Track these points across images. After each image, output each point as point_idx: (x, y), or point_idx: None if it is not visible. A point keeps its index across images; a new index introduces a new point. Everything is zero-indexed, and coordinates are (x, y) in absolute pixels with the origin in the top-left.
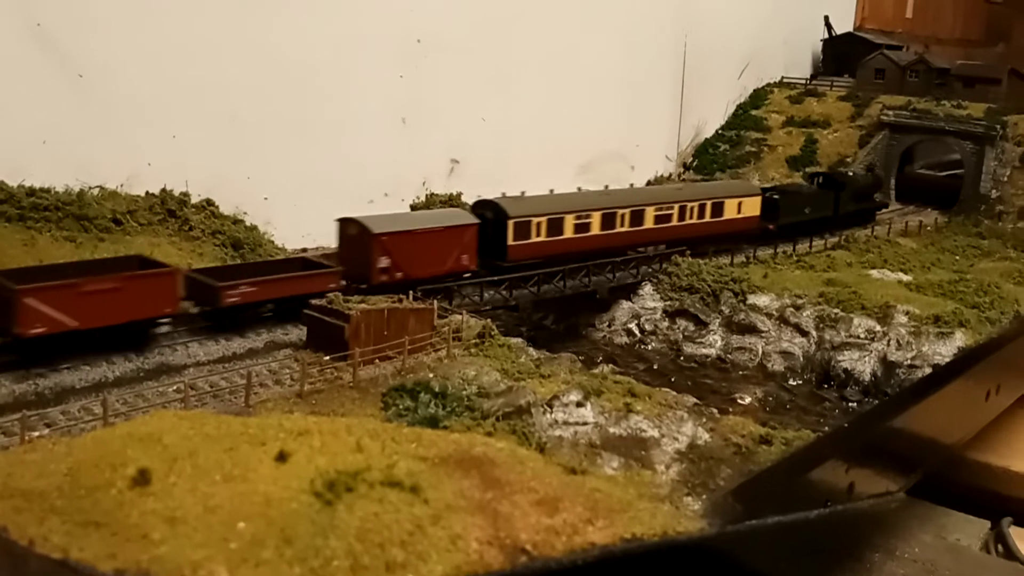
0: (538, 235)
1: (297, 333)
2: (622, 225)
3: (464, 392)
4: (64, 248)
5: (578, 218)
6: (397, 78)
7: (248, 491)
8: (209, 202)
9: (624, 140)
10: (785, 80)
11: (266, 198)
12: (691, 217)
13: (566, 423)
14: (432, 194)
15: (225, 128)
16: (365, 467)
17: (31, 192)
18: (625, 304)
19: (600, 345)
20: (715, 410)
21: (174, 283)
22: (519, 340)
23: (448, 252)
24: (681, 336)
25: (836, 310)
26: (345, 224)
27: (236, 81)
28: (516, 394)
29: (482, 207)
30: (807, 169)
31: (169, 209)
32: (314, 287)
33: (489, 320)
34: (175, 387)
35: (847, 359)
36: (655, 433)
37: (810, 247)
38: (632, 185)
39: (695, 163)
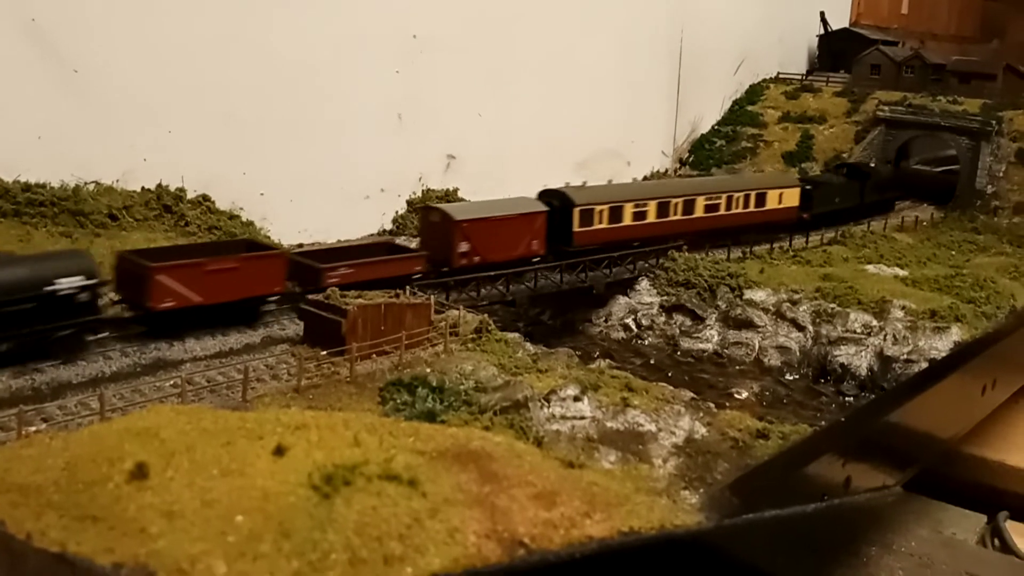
0: (600, 222)
1: (294, 328)
2: (675, 214)
3: (461, 387)
4: (60, 244)
5: (636, 207)
6: (393, 74)
7: (246, 485)
8: (205, 198)
9: (620, 136)
10: (781, 76)
11: (262, 194)
12: (737, 207)
13: (563, 417)
14: (428, 190)
15: (221, 124)
16: (363, 461)
17: (27, 188)
18: (622, 299)
19: (597, 340)
20: (712, 405)
21: (282, 264)
22: (516, 335)
23: (520, 237)
24: (678, 331)
25: (832, 305)
26: (427, 212)
27: (232, 77)
28: (513, 389)
29: (548, 196)
30: (805, 162)
31: (165, 205)
32: (403, 270)
33: (486, 315)
34: (172, 382)
35: (843, 354)
36: (652, 427)
37: (806, 242)
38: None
39: (691, 159)
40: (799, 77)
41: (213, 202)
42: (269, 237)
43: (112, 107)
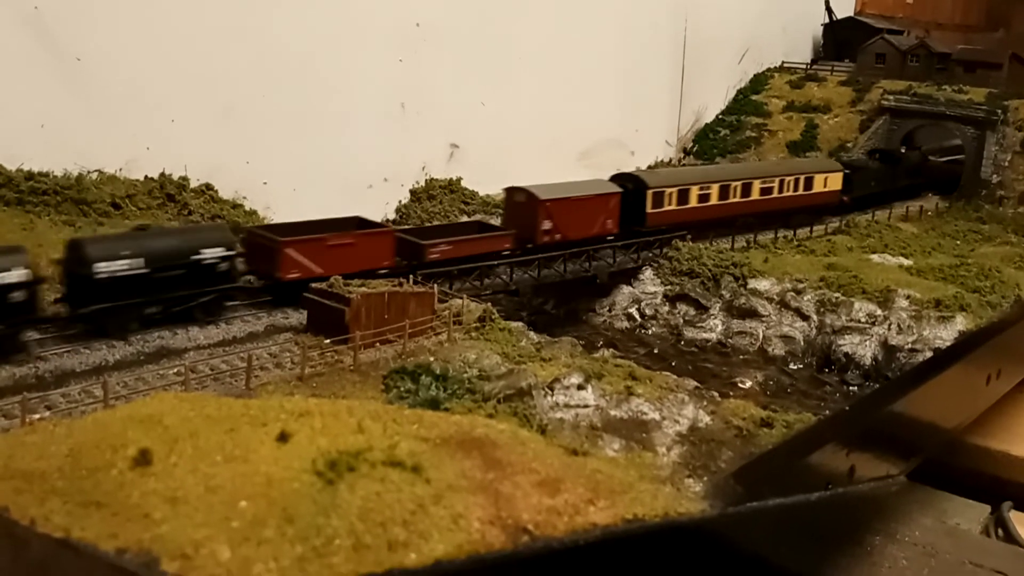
0: (670, 204)
1: (297, 317)
2: (734, 196)
3: (465, 375)
4: (63, 232)
5: (701, 189)
6: (396, 63)
7: (249, 471)
8: (208, 186)
9: (624, 125)
10: (785, 65)
11: (265, 183)
12: (788, 190)
13: (567, 406)
14: (431, 179)
15: (224, 113)
16: (367, 447)
17: (30, 176)
18: (626, 289)
19: (600, 330)
20: (716, 393)
21: (392, 241)
22: (520, 324)
23: (596, 217)
24: (682, 321)
25: (837, 294)
26: (512, 192)
27: (235, 66)
28: (517, 377)
29: (622, 179)
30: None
31: (168, 193)
32: (494, 246)
33: (489, 304)
34: (175, 370)
35: (848, 343)
36: (656, 416)
37: (810, 232)
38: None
39: (695, 148)
40: (803, 66)
41: (216, 191)
42: None
43: (115, 96)
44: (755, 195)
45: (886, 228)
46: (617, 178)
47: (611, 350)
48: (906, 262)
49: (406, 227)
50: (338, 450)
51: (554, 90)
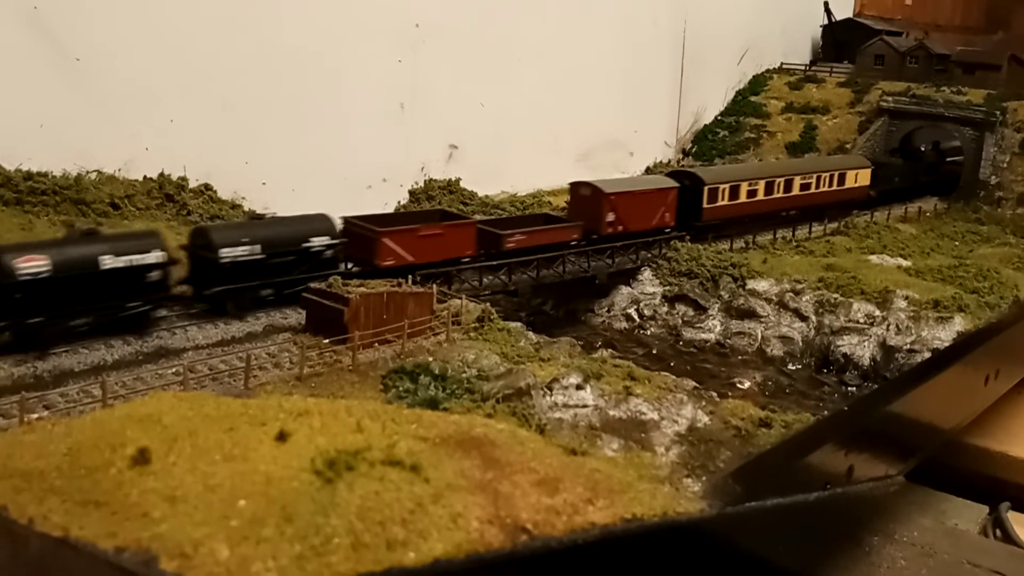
0: (723, 199)
1: (296, 317)
2: (778, 192)
3: (464, 375)
4: (62, 232)
5: (750, 185)
6: (396, 63)
7: (248, 470)
8: (207, 187)
9: (623, 126)
10: (784, 66)
11: (264, 183)
12: (824, 185)
13: (566, 405)
14: (431, 179)
15: (223, 113)
16: (365, 447)
17: (28, 176)
18: (624, 289)
19: (599, 330)
20: (714, 394)
21: (474, 232)
22: (518, 324)
23: (655, 210)
24: (680, 321)
25: (835, 295)
26: (577, 186)
27: (234, 66)
28: (516, 376)
29: (678, 175)
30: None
31: (167, 194)
32: (563, 236)
33: (488, 304)
34: (174, 370)
35: (846, 344)
36: (655, 416)
37: (809, 232)
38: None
39: (694, 149)
40: (803, 67)
41: (215, 191)
42: None
43: (114, 96)
44: (796, 190)
45: (884, 229)
46: (674, 174)
47: (610, 350)
48: (904, 263)
49: (483, 219)
50: (337, 449)
51: (553, 91)
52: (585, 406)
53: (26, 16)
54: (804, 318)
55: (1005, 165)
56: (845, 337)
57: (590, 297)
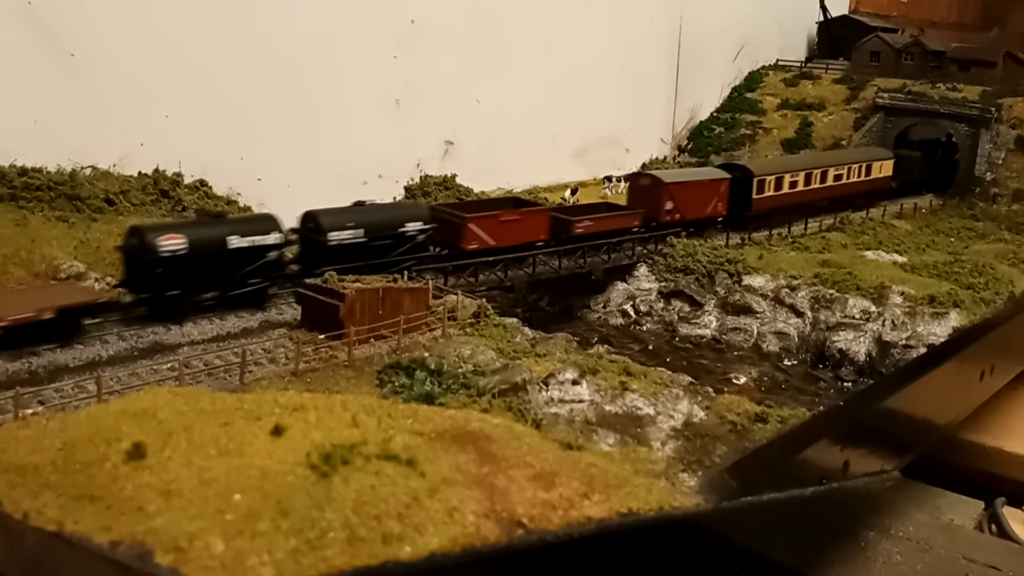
0: (769, 190)
1: (292, 313)
2: (815, 183)
3: (460, 370)
4: (56, 228)
5: (792, 176)
6: (391, 59)
7: (243, 464)
8: (202, 183)
9: (619, 123)
10: (780, 63)
11: (260, 179)
12: (855, 176)
13: (562, 401)
14: (426, 176)
15: (218, 109)
16: (361, 441)
17: (23, 172)
18: (620, 285)
19: (595, 326)
20: (710, 389)
21: (547, 218)
22: (514, 320)
23: (709, 200)
24: (676, 317)
25: (831, 291)
26: (637, 177)
27: (229, 62)
28: (512, 372)
29: (728, 168)
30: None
31: (162, 189)
32: (626, 223)
33: (484, 300)
34: (169, 365)
35: (842, 339)
36: (651, 411)
37: (805, 228)
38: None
39: (690, 146)
40: (798, 64)
41: (210, 187)
42: None
43: (109, 92)
44: (830, 181)
45: (880, 225)
46: (724, 167)
47: (606, 346)
48: (900, 259)
49: (556, 206)
50: (332, 443)
51: (549, 87)
52: (581, 401)
53: (21, 11)
54: (800, 314)
55: (1000, 162)
56: (841, 333)
57: (586, 293)
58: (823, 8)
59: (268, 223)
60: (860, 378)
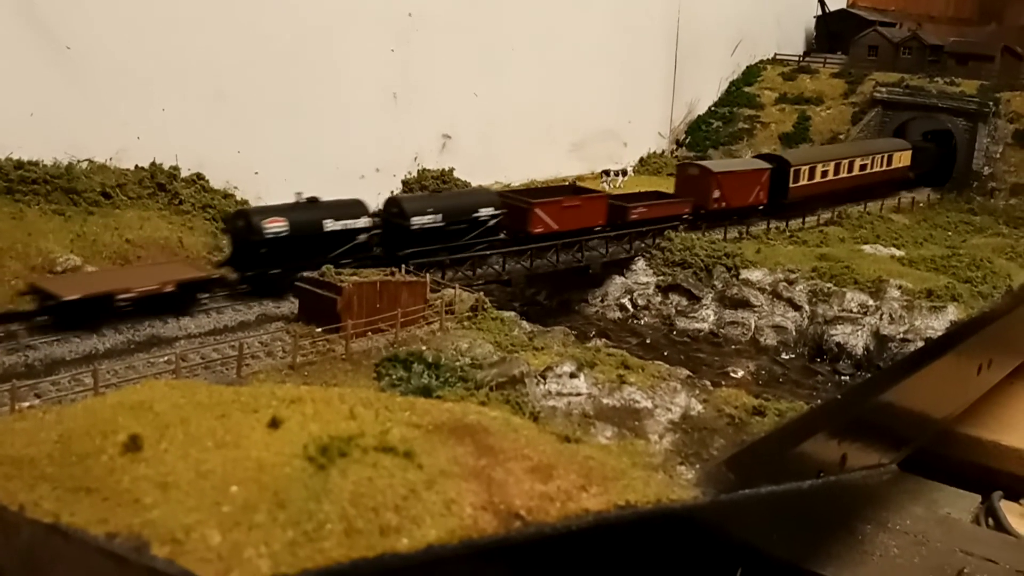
0: (804, 180)
1: (289, 306)
2: (843, 172)
3: (457, 363)
4: (53, 221)
5: (823, 166)
6: (388, 53)
7: (240, 457)
8: (199, 176)
9: (617, 116)
10: (778, 57)
11: (256, 172)
12: (878, 166)
13: (559, 394)
14: (424, 169)
15: (215, 102)
16: (358, 433)
17: (19, 165)
18: (618, 279)
19: (593, 320)
20: (708, 383)
21: (605, 204)
22: (512, 314)
23: (751, 188)
24: (674, 311)
25: (829, 284)
26: (685, 167)
27: (226, 55)
28: (509, 365)
29: (766, 158)
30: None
31: (159, 183)
32: (678, 210)
33: (481, 294)
34: (166, 358)
35: (840, 333)
36: (648, 404)
37: (803, 223)
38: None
39: (688, 140)
40: (796, 58)
41: (207, 181)
42: None
43: (105, 85)
44: (856, 171)
45: (878, 219)
46: (761, 157)
47: (603, 340)
48: (898, 253)
49: (615, 193)
50: (330, 436)
51: (547, 81)
52: (579, 394)
53: (17, 4)
54: (798, 307)
55: (998, 155)
56: (839, 326)
57: (584, 287)
58: (821, 2)
59: (358, 208)
60: (858, 372)
